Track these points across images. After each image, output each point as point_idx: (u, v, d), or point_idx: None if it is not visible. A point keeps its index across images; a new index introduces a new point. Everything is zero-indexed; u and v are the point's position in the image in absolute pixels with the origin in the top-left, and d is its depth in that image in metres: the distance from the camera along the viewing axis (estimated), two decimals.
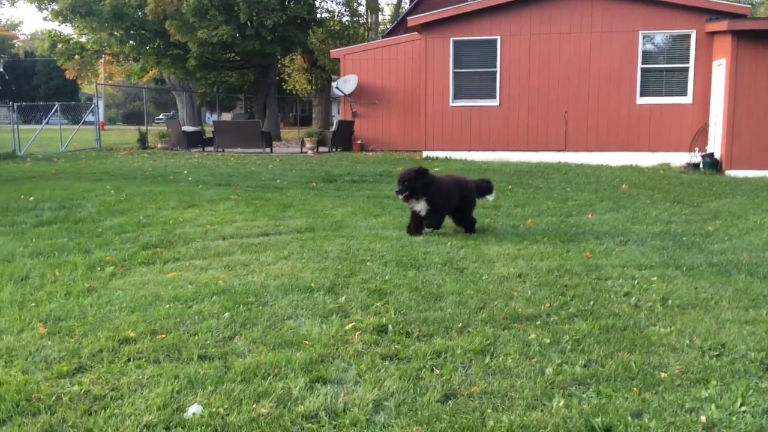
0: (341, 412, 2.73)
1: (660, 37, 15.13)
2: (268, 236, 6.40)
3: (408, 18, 19.07)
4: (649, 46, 15.16)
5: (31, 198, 8.61)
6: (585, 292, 4.51)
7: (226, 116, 41.87)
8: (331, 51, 22.18)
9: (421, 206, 6.39)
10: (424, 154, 16.21)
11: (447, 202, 6.55)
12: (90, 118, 22.83)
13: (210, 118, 48.26)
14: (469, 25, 15.81)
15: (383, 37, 26.29)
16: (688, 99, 14.90)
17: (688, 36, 14.78)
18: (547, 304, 4.20)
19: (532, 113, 15.70)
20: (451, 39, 15.84)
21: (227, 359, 3.25)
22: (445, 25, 15.86)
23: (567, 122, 15.50)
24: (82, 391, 2.87)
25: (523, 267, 5.17)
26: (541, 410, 2.78)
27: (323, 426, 2.62)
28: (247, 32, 23.01)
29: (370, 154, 17.82)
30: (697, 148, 14.33)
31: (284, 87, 37.66)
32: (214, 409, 2.70)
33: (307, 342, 3.49)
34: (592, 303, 4.26)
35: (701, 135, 14.68)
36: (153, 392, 2.85)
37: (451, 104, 16.06)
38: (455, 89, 16.01)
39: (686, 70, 14.87)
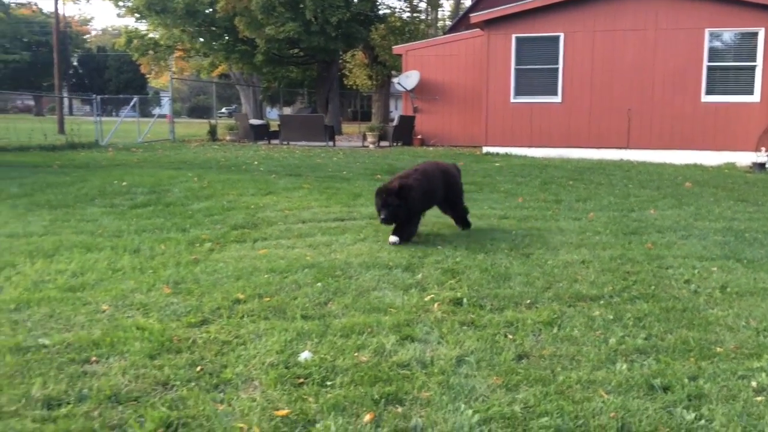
0: (429, 364, 3.17)
1: (727, 34, 14.95)
2: (344, 221, 6.90)
3: (470, 15, 19.33)
4: (715, 44, 14.99)
5: (124, 183, 9.39)
6: (646, 278, 4.81)
7: (287, 110, 42.95)
8: (393, 47, 22.64)
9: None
10: (484, 149, 16.48)
11: (423, 205, 6.06)
12: (164, 110, 24.03)
13: (270, 112, 49.50)
14: (531, 21, 15.97)
15: (444, 34, 26.59)
16: (755, 98, 14.69)
17: (755, 34, 14.56)
18: (610, 287, 4.53)
19: (594, 110, 15.75)
20: (514, 36, 16.03)
21: (325, 319, 3.74)
22: (508, 22, 16.06)
23: (630, 120, 15.49)
24: (211, 338, 3.42)
25: (586, 254, 5.49)
26: (606, 371, 3.15)
27: (415, 373, 3.06)
28: (312, 29, 23.74)
29: (431, 149, 18.20)
30: (763, 148, 14.12)
31: (345, 82, 38.42)
32: (322, 356, 3.20)
33: (392, 309, 3.95)
34: (653, 287, 4.56)
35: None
36: (270, 340, 3.37)
37: (512, 101, 16.25)
38: (516, 86, 16.20)
39: (753, 68, 14.66)
